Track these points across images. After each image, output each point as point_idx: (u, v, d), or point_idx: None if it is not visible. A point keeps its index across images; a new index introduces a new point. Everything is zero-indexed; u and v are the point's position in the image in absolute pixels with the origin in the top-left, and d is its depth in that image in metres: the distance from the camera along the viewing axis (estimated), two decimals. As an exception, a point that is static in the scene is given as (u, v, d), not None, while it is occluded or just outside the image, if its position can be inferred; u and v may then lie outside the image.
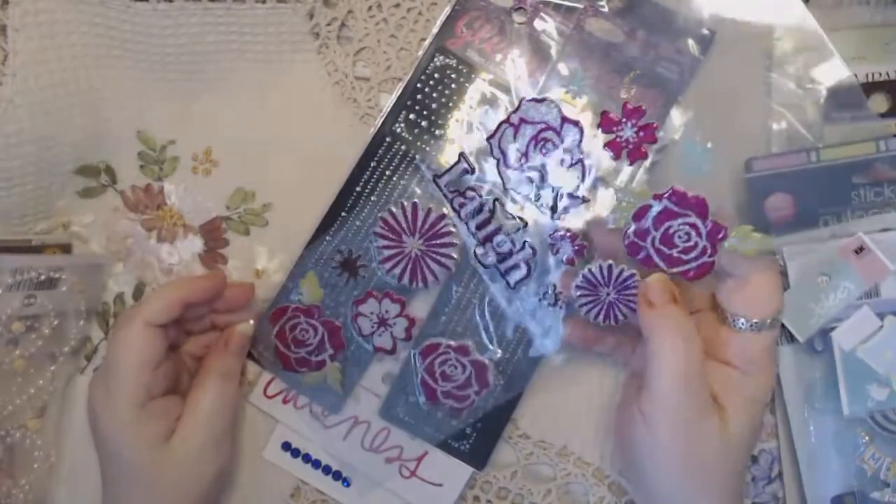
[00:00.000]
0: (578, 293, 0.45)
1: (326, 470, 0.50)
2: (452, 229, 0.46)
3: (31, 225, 0.50)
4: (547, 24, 0.48)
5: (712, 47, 0.48)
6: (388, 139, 0.49)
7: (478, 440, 0.49)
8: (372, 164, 0.49)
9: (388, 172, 0.49)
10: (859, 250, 0.45)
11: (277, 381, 0.50)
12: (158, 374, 0.45)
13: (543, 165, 0.45)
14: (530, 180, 0.45)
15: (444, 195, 0.47)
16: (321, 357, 0.49)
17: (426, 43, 0.49)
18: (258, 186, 0.51)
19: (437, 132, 0.48)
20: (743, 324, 0.43)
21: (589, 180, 0.45)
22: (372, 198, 0.49)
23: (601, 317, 0.45)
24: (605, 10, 0.48)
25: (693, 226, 0.43)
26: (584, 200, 0.45)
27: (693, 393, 0.41)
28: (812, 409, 0.47)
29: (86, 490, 0.50)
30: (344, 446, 0.50)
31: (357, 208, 0.49)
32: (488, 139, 0.46)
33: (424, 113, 0.49)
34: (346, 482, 0.50)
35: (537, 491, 0.50)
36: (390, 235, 0.47)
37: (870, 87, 0.48)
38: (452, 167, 0.46)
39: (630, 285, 0.44)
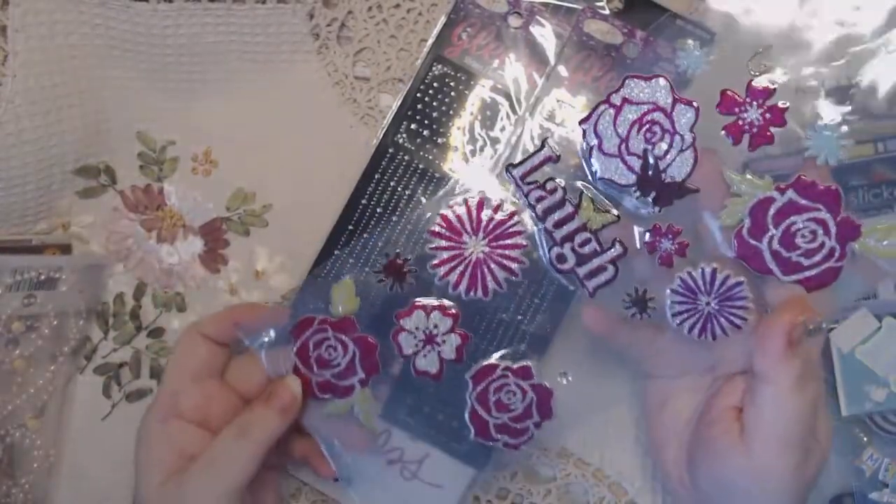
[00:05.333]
0: (673, 299, 0.39)
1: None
2: (522, 229, 0.41)
3: (31, 225, 0.50)
4: (544, 28, 0.48)
5: (711, 48, 0.48)
6: (390, 150, 0.49)
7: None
8: (376, 177, 0.48)
9: (392, 183, 0.49)
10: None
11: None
12: (195, 392, 0.43)
13: (647, 151, 0.39)
14: (630, 168, 0.39)
15: (520, 188, 0.40)
16: (349, 382, 0.43)
17: (423, 53, 0.49)
18: (258, 187, 0.51)
19: (439, 141, 0.48)
20: None
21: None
22: (378, 210, 0.48)
23: (696, 329, 0.39)
24: (605, 11, 0.48)
25: (822, 222, 0.37)
26: (695, 191, 0.39)
27: (807, 440, 0.39)
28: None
29: (86, 490, 0.50)
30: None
31: (363, 222, 0.48)
32: (581, 122, 0.40)
33: (426, 122, 0.49)
34: (347, 483, 0.50)
35: (537, 491, 0.50)
36: (449, 234, 0.41)
37: (868, 89, 0.48)
38: (533, 154, 0.40)
39: (736, 296, 0.39)
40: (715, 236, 0.40)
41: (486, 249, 0.41)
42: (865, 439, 0.47)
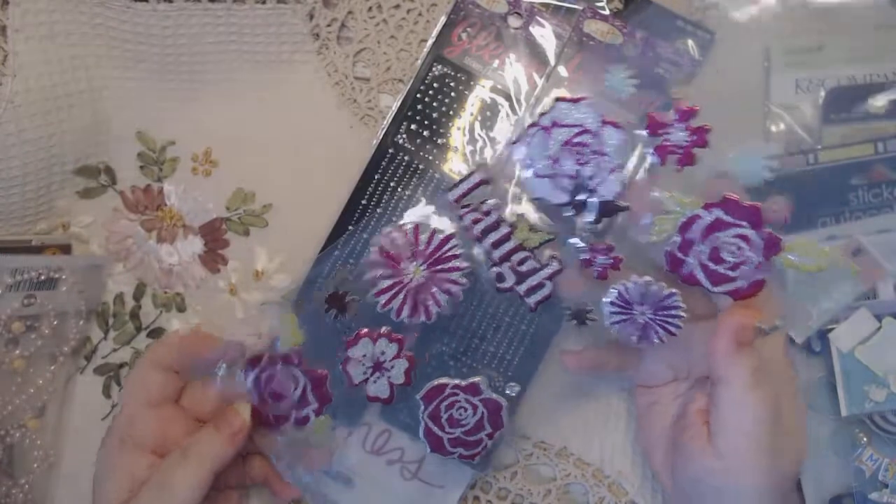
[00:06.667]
0: (611, 310, 0.41)
1: (327, 471, 0.50)
2: (460, 251, 0.42)
3: (31, 225, 0.50)
4: (544, 28, 0.48)
5: (712, 48, 0.48)
6: (390, 150, 0.49)
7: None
8: (376, 177, 0.48)
9: (392, 184, 0.48)
10: (857, 252, 0.45)
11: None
12: (151, 417, 0.44)
13: (579, 172, 0.41)
14: (563, 188, 0.41)
15: (455, 211, 0.42)
16: (304, 413, 0.44)
17: (423, 53, 0.49)
18: (258, 187, 0.51)
19: (439, 141, 0.48)
20: None
21: (633, 187, 0.41)
22: (378, 210, 0.48)
23: (635, 337, 0.41)
24: (605, 11, 0.48)
25: (745, 238, 0.39)
26: (625, 208, 0.41)
27: (772, 436, 0.40)
28: (811, 409, 0.47)
29: (85, 490, 0.50)
30: (345, 448, 0.49)
31: (364, 221, 0.48)
32: (513, 143, 0.41)
33: (426, 122, 0.49)
34: (347, 483, 0.50)
35: (537, 491, 0.50)
36: (387, 263, 0.42)
37: (867, 89, 0.48)
38: (466, 178, 0.42)
39: (670, 306, 0.40)
40: (647, 251, 0.41)
41: (427, 274, 0.42)
42: (865, 439, 0.47)
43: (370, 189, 0.49)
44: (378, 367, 0.43)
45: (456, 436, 0.45)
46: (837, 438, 0.47)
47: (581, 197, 0.41)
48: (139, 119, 0.51)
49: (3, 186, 0.48)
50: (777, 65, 0.49)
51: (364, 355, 0.43)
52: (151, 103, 0.51)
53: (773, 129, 0.49)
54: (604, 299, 0.41)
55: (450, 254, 0.42)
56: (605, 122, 0.41)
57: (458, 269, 0.42)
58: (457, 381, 0.44)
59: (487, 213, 0.42)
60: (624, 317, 0.41)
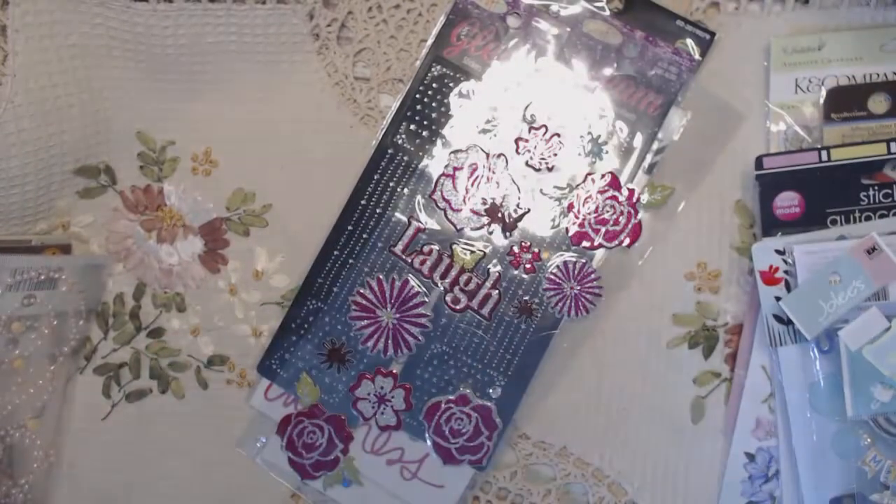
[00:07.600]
0: (548, 295, 0.48)
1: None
2: (419, 290, 0.48)
3: (31, 225, 0.50)
4: (542, 28, 0.48)
5: (711, 49, 0.48)
6: (390, 151, 0.49)
7: (477, 441, 0.49)
8: (376, 177, 0.49)
9: (391, 184, 0.49)
10: (871, 250, 0.45)
11: (277, 386, 0.50)
12: None
13: (484, 198, 0.49)
14: (478, 213, 0.48)
15: (403, 260, 0.48)
16: (333, 455, 0.49)
17: (422, 54, 0.49)
18: (258, 187, 0.51)
19: (439, 141, 0.49)
20: None
21: (524, 195, 0.48)
22: (377, 210, 0.49)
23: (572, 310, 0.48)
24: (606, 12, 0.48)
25: (613, 197, 0.48)
26: (527, 211, 0.48)
27: None
28: (814, 409, 0.47)
29: (86, 490, 0.50)
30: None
31: (363, 222, 0.49)
32: (430, 195, 0.49)
33: (425, 123, 0.49)
34: (347, 483, 0.50)
35: (537, 491, 0.50)
36: (365, 314, 0.49)
37: (868, 89, 0.48)
38: (405, 232, 0.49)
39: (587, 273, 0.48)
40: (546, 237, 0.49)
41: (398, 316, 0.48)
42: (869, 440, 0.47)
43: (370, 189, 0.49)
44: (382, 400, 0.49)
45: (461, 444, 0.48)
46: (840, 439, 0.47)
47: (495, 215, 0.49)
48: (139, 119, 0.51)
49: (3, 186, 0.48)
50: (777, 65, 0.49)
51: (368, 393, 0.48)
52: (151, 103, 0.51)
53: (774, 128, 0.49)
54: (542, 288, 0.48)
55: (411, 294, 0.48)
56: (488, 155, 0.49)
57: (421, 303, 0.48)
58: (448, 397, 0.48)
59: (430, 253, 0.48)
60: (559, 295, 0.48)
